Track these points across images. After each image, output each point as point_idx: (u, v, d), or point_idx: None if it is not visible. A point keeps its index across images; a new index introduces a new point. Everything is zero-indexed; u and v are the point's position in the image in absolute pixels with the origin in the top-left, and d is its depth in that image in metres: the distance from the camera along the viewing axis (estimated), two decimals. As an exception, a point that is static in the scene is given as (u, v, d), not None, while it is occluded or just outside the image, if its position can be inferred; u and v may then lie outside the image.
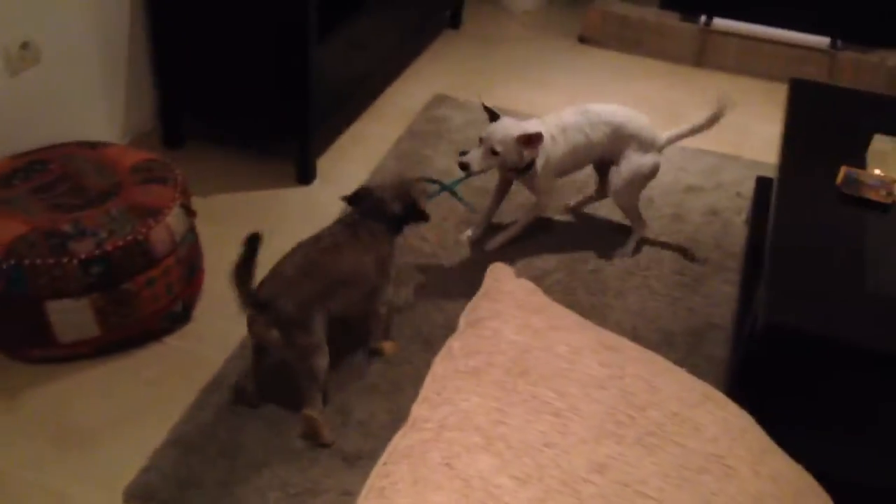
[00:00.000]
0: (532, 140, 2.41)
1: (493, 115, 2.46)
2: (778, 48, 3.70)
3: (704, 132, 2.58)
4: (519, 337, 1.13)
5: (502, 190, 2.70)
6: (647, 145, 2.53)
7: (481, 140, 2.42)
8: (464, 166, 2.39)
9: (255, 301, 1.94)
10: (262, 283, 2.00)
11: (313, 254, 2.06)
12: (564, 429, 1.01)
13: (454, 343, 1.16)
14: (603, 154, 2.58)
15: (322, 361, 2.02)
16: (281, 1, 2.63)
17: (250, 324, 2.00)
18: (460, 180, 2.68)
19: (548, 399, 1.05)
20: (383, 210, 2.17)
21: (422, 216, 2.22)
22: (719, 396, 1.16)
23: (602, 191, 2.80)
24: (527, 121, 2.49)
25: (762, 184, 2.75)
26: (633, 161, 2.53)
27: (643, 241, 2.74)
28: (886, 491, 1.87)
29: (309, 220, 2.76)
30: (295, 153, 2.92)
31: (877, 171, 2.23)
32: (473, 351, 1.12)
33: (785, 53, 3.70)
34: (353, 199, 2.22)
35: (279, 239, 2.68)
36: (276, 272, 2.03)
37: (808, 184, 2.16)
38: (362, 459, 2.02)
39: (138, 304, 2.21)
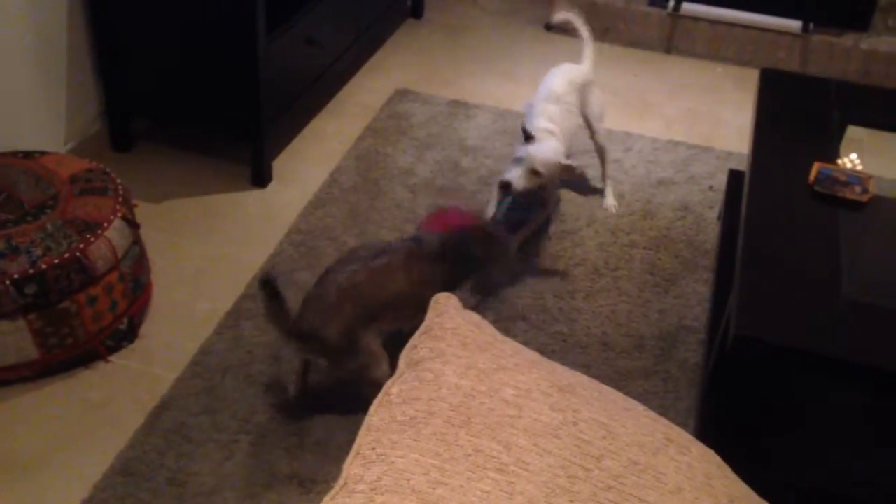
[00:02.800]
0: (573, 171, 2.42)
1: (528, 137, 2.41)
2: (749, 33, 3.61)
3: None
4: (462, 381, 1.02)
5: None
6: (590, 82, 2.72)
7: (518, 160, 2.38)
8: (505, 185, 2.36)
9: (299, 334, 1.89)
10: (304, 308, 1.92)
11: (361, 274, 1.94)
12: (511, 487, 0.91)
13: (392, 388, 1.05)
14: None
15: (379, 371, 1.94)
16: (227, -4, 2.50)
17: (298, 350, 1.98)
18: (504, 205, 2.65)
19: (493, 453, 0.95)
20: (462, 252, 2.09)
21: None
22: (683, 438, 1.06)
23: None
24: (545, 142, 2.43)
25: (734, 178, 2.65)
26: (595, 100, 2.72)
27: (613, 239, 2.65)
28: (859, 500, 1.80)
29: (265, 224, 2.65)
30: (249, 154, 2.79)
31: (851, 165, 2.15)
32: (412, 397, 1.02)
33: (756, 38, 3.61)
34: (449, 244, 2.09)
35: (233, 245, 2.58)
36: (317, 296, 1.93)
37: (780, 182, 2.06)
38: (318, 484, 1.91)
39: (79, 323, 2.08)
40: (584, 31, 2.79)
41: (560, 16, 2.83)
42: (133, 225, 2.23)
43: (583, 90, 2.67)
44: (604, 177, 2.80)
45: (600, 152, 2.77)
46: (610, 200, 2.78)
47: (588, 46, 2.78)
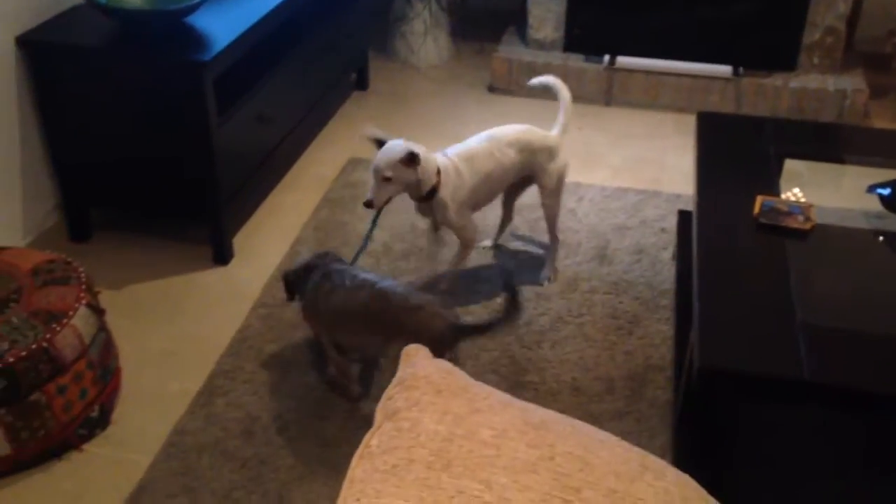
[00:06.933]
0: (412, 159, 2.31)
1: (380, 143, 2.38)
2: (682, 80, 3.76)
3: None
4: (440, 426, 1.05)
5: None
6: (554, 152, 2.60)
7: (373, 173, 2.34)
8: (368, 204, 2.35)
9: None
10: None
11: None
12: (497, 525, 0.94)
13: (372, 440, 1.08)
14: (517, 175, 2.60)
15: None
16: (176, 80, 2.56)
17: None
18: (373, 224, 2.52)
19: (475, 492, 0.97)
20: None
21: None
22: (657, 464, 1.10)
23: (508, 215, 2.87)
24: (389, 143, 2.36)
25: (684, 218, 2.75)
26: (552, 170, 2.60)
27: (575, 286, 2.71)
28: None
29: (230, 301, 2.67)
30: (209, 234, 2.82)
31: (792, 197, 2.25)
32: (392, 446, 1.05)
33: (689, 85, 3.76)
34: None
35: (199, 324, 2.58)
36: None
37: (726, 217, 2.15)
38: (304, 555, 1.90)
39: (50, 414, 2.07)
40: (564, 94, 2.66)
41: (538, 79, 2.71)
42: (98, 312, 2.23)
43: (536, 155, 2.56)
44: (553, 249, 2.75)
45: (549, 223, 2.69)
46: (546, 272, 2.73)
47: (564, 112, 2.65)
